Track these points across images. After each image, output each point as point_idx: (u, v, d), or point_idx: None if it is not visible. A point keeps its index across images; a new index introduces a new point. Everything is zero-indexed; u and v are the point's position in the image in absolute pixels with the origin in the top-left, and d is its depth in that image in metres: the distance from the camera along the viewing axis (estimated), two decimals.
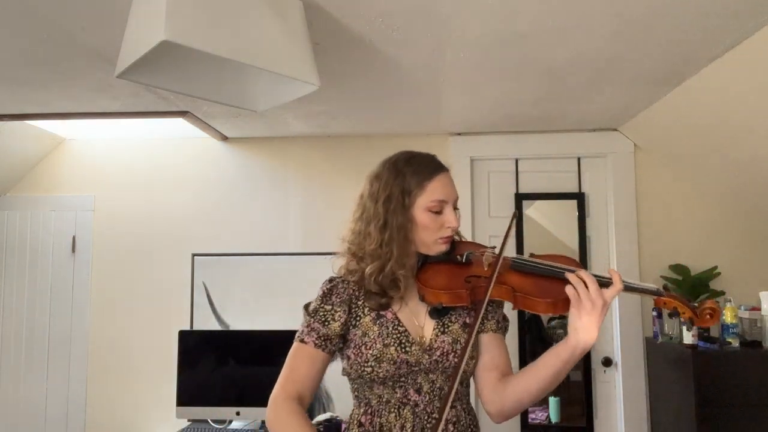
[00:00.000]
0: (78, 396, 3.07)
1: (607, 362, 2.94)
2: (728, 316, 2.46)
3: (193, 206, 3.14)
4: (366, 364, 1.22)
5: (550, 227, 3.15)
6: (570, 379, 3.03)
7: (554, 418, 2.95)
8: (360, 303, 1.29)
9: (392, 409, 1.23)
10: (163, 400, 2.98)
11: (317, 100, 2.42)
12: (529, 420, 2.96)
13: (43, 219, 3.17)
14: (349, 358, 1.26)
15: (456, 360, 1.24)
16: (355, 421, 1.27)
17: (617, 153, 2.99)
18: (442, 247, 1.28)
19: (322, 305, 1.28)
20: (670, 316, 1.20)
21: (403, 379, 1.23)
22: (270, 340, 2.80)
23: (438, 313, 1.28)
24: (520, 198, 3.05)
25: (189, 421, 2.88)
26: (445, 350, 1.24)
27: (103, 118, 2.65)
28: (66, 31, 1.71)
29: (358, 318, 1.27)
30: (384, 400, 1.24)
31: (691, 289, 2.73)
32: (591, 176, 3.06)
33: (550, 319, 3.03)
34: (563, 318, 3.00)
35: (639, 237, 2.95)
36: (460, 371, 1.12)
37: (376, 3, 1.55)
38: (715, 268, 2.80)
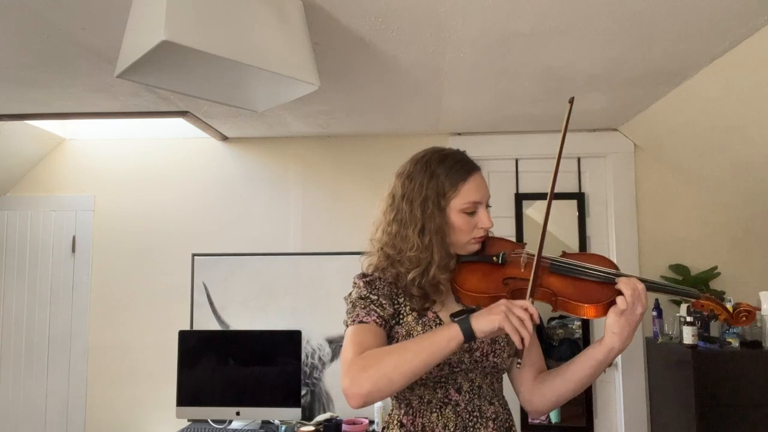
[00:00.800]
0: (78, 396, 3.07)
1: None
2: None
3: (192, 206, 3.14)
4: None
5: (550, 227, 3.13)
6: None
7: (554, 418, 2.95)
8: (401, 300, 1.26)
9: (434, 409, 1.23)
10: (163, 400, 2.98)
11: (317, 100, 2.42)
12: (529, 420, 2.95)
13: (43, 219, 3.17)
14: None
15: (495, 360, 1.26)
16: (396, 422, 1.26)
17: (617, 153, 2.99)
18: (475, 247, 1.28)
19: (369, 294, 1.23)
20: (708, 318, 1.25)
21: (443, 379, 1.23)
22: (270, 340, 2.80)
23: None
24: (520, 198, 3.05)
25: (189, 421, 2.88)
26: (485, 351, 1.25)
27: (103, 118, 2.65)
28: (66, 31, 1.71)
29: (401, 315, 1.25)
30: (425, 400, 1.24)
31: None
32: (591, 176, 3.06)
33: (550, 319, 3.03)
34: (563, 318, 3.00)
35: (639, 237, 2.95)
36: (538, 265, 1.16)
37: (376, 3, 1.55)
38: (715, 268, 2.80)
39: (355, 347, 1.13)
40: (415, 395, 1.24)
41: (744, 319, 1.24)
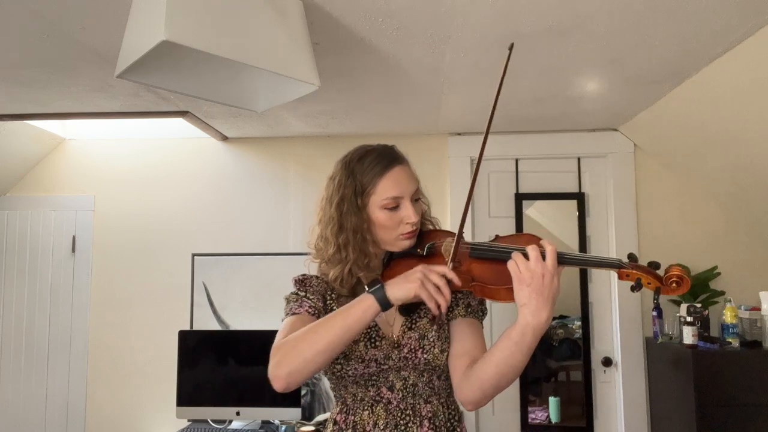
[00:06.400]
0: (78, 396, 3.07)
1: (607, 362, 2.94)
2: (728, 316, 2.47)
3: (192, 206, 3.14)
4: (335, 362, 1.21)
5: (550, 227, 3.15)
6: (570, 379, 3.03)
7: (554, 418, 2.95)
8: (332, 298, 1.28)
9: (366, 407, 1.23)
10: (163, 400, 2.98)
11: (317, 100, 2.42)
12: (529, 420, 2.96)
13: (43, 219, 3.17)
14: None
15: (425, 357, 1.22)
16: (331, 420, 1.28)
17: (617, 153, 2.99)
18: (406, 243, 1.25)
19: (299, 291, 1.27)
20: (632, 289, 1.10)
21: (375, 377, 1.23)
22: (270, 340, 2.77)
23: (407, 309, 1.27)
24: (520, 198, 3.05)
25: (189, 421, 2.88)
26: (412, 347, 1.24)
27: (103, 118, 2.65)
28: (66, 31, 1.71)
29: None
30: (358, 398, 1.24)
31: (691, 289, 2.74)
32: (591, 176, 3.06)
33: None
34: (563, 318, 3.00)
35: (639, 237, 2.95)
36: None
37: (377, 3, 1.55)
38: (715, 268, 2.80)
39: (285, 334, 1.15)
40: (350, 393, 1.25)
41: (675, 285, 1.08)
